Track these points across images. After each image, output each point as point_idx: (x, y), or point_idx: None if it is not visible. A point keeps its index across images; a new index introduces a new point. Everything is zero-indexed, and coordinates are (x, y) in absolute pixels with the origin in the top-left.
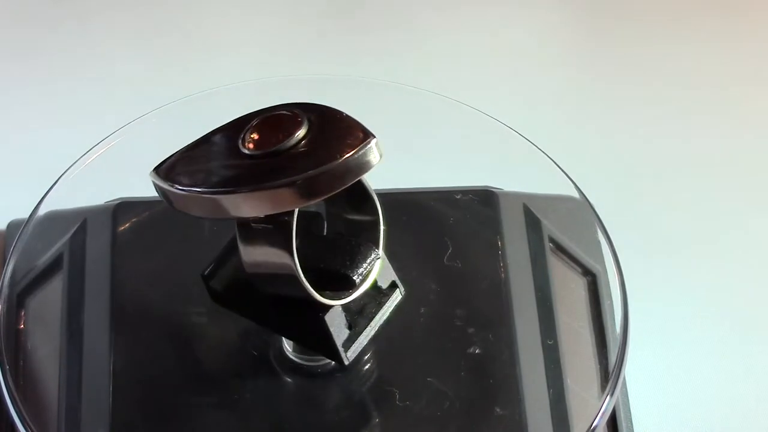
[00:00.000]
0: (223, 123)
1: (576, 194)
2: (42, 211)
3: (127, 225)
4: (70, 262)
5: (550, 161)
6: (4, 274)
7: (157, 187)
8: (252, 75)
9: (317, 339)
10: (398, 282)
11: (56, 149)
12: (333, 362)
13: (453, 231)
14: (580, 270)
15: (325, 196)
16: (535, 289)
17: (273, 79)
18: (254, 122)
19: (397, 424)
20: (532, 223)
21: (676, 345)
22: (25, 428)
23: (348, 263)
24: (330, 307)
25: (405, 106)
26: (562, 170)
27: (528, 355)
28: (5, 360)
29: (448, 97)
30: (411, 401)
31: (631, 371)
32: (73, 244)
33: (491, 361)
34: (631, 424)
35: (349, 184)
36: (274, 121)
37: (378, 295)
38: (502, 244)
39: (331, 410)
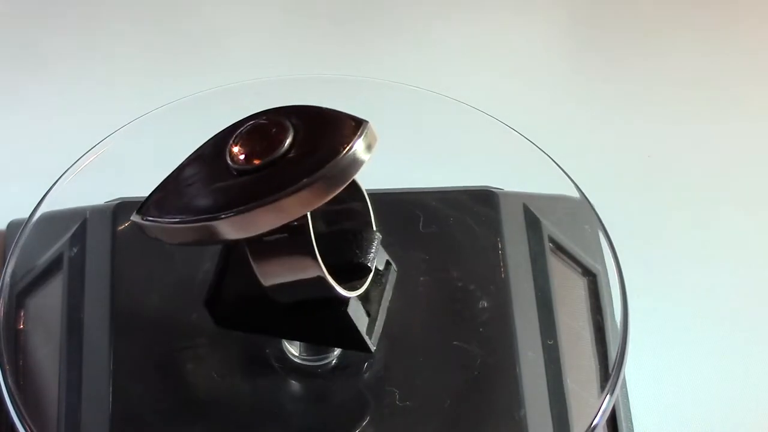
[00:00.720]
0: (215, 131)
1: (576, 194)
2: (42, 211)
3: (127, 225)
4: (70, 262)
5: (550, 161)
6: (4, 274)
7: (151, 228)
8: (252, 75)
9: (342, 334)
10: (390, 260)
11: (56, 149)
12: (333, 362)
13: (453, 231)
14: (580, 270)
15: (339, 190)
16: (535, 289)
17: (273, 79)
18: (237, 137)
19: (397, 424)
20: (532, 223)
21: (676, 345)
22: (24, 428)
23: (358, 252)
24: (348, 299)
25: (405, 106)
26: (563, 170)
27: (528, 355)
28: (5, 360)
29: (448, 96)
30: (411, 401)
31: (631, 371)
32: (73, 244)
33: (491, 361)
34: (631, 423)
35: (357, 173)
36: (257, 132)
37: (376, 277)
38: (502, 244)
39: (331, 410)
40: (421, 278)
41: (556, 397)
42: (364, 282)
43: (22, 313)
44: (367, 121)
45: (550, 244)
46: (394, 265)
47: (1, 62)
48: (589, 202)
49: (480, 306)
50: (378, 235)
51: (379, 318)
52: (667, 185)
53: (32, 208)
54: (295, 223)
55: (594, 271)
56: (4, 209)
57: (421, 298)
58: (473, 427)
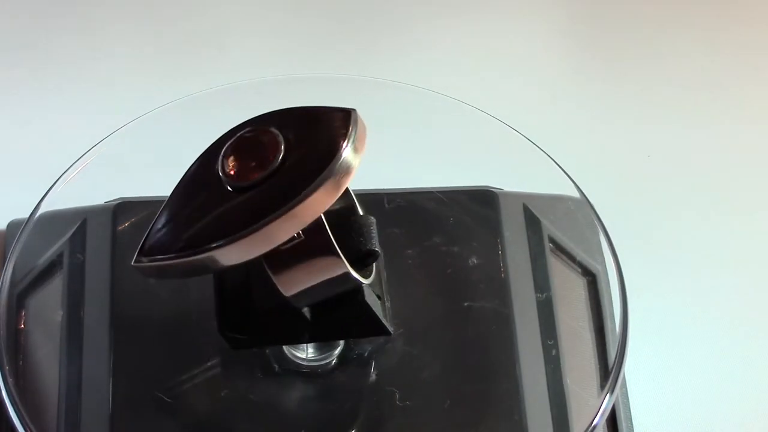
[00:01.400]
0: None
1: (576, 194)
2: (42, 211)
3: (126, 225)
4: (70, 262)
5: (551, 161)
6: (4, 273)
7: (164, 267)
8: (252, 74)
9: (361, 323)
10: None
11: (56, 149)
12: (333, 362)
13: (453, 231)
14: (580, 270)
15: (348, 182)
16: (535, 289)
17: (273, 79)
18: (226, 153)
19: (397, 424)
20: (532, 223)
21: (676, 345)
22: (24, 429)
23: (362, 239)
24: (361, 288)
25: (405, 106)
26: (563, 170)
27: (528, 355)
28: (5, 360)
29: (448, 96)
30: (411, 401)
31: (631, 371)
32: (73, 244)
33: (491, 361)
34: (631, 423)
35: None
36: (246, 145)
37: None
38: (502, 244)
39: (332, 410)
40: (421, 278)
41: (556, 397)
42: (372, 267)
43: (22, 313)
44: (353, 109)
45: (550, 244)
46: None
47: (1, 62)
48: (589, 202)
49: (480, 306)
50: (372, 219)
51: (385, 299)
52: (667, 185)
53: (32, 208)
54: (310, 226)
55: (594, 271)
56: (4, 209)
57: (422, 298)
58: (473, 427)
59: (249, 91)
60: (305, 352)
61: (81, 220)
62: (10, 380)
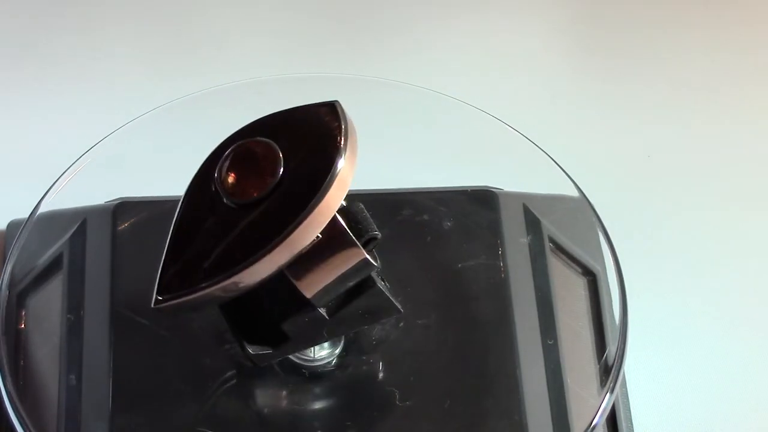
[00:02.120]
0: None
1: (576, 194)
2: (42, 211)
3: (126, 225)
4: (70, 262)
5: (551, 161)
6: (4, 273)
7: (191, 301)
8: (252, 74)
9: (376, 308)
10: None
11: (56, 149)
12: (333, 362)
13: (453, 231)
14: (580, 270)
15: (353, 174)
16: (535, 289)
17: (273, 78)
18: (222, 173)
19: (397, 424)
20: (532, 223)
21: (676, 345)
22: (23, 429)
23: (361, 227)
24: (371, 276)
25: (405, 105)
26: (563, 170)
27: (528, 355)
28: (5, 360)
29: (448, 96)
30: (411, 401)
31: (631, 371)
32: (73, 244)
33: (491, 361)
34: (631, 423)
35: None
36: (242, 161)
37: None
38: (502, 244)
39: (332, 410)
40: (421, 278)
41: (556, 397)
42: (374, 252)
43: (22, 313)
44: (336, 102)
45: (550, 244)
46: None
47: (1, 62)
48: (589, 202)
49: (480, 306)
50: (361, 204)
51: (385, 279)
52: (667, 185)
53: (32, 208)
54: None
55: (594, 270)
56: (4, 209)
57: (422, 298)
58: (473, 427)
59: (249, 91)
60: (312, 352)
61: (81, 220)
62: (9, 380)
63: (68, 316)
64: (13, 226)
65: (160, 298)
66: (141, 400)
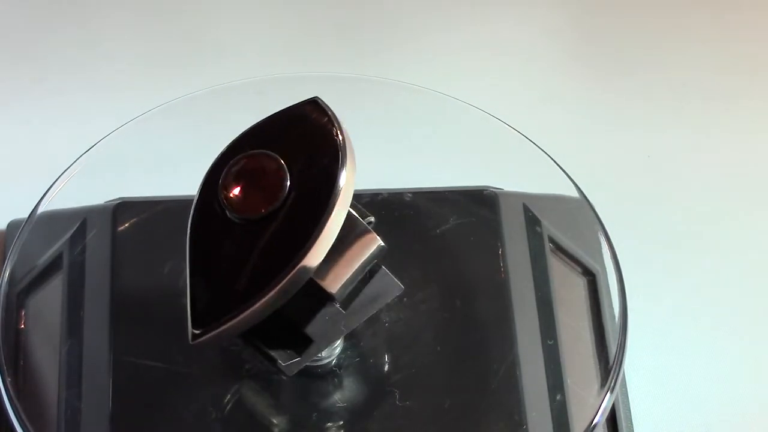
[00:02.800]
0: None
1: (576, 194)
2: (42, 210)
3: (126, 225)
4: (70, 262)
5: (550, 161)
6: (4, 273)
7: (228, 329)
8: (252, 73)
9: (383, 292)
10: None
11: (56, 149)
12: (333, 362)
13: (453, 231)
14: (580, 270)
15: (356, 170)
16: (535, 289)
17: (273, 78)
18: (225, 193)
19: (397, 424)
20: (532, 223)
21: (676, 345)
22: (22, 429)
23: (358, 213)
24: (377, 261)
25: (405, 105)
26: (563, 170)
27: (528, 355)
28: (4, 360)
29: (449, 96)
30: (411, 401)
31: (630, 371)
32: (73, 244)
33: (491, 361)
34: (631, 423)
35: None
36: (246, 177)
37: None
38: (502, 244)
39: (332, 410)
40: (421, 278)
41: (556, 397)
42: None
43: (22, 313)
44: (317, 98)
45: (550, 244)
46: None
47: (1, 62)
48: (589, 202)
49: (480, 306)
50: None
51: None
52: (667, 185)
53: (32, 208)
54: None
55: (594, 270)
56: (4, 209)
57: (421, 298)
58: (473, 428)
59: (249, 90)
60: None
61: (81, 220)
62: (9, 380)
63: (68, 316)
64: (13, 226)
65: (198, 332)
66: (141, 400)
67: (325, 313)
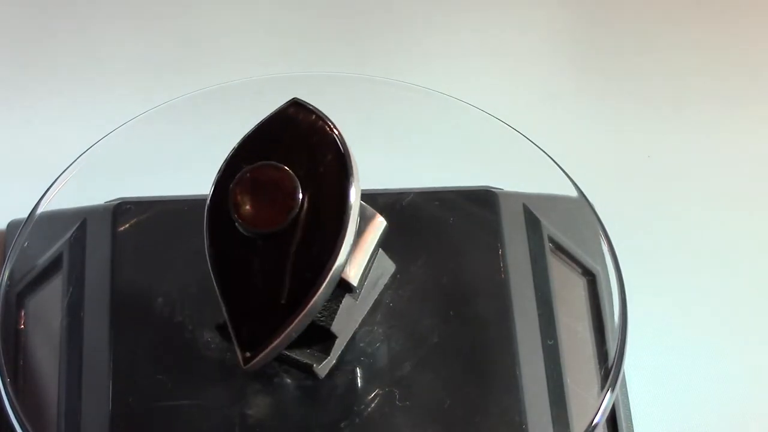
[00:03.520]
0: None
1: (576, 194)
2: (41, 210)
3: (126, 225)
4: (70, 262)
5: (550, 161)
6: (4, 273)
7: (278, 345)
8: (252, 73)
9: (381, 274)
10: None
11: (56, 149)
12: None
13: (453, 231)
14: (579, 270)
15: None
16: (535, 289)
17: (273, 77)
18: (238, 211)
19: (397, 424)
20: (532, 223)
21: (676, 344)
22: (22, 430)
23: None
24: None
25: (405, 105)
26: (563, 170)
27: (528, 355)
28: (4, 360)
29: (448, 95)
30: (411, 401)
31: (631, 371)
32: (73, 244)
33: (491, 361)
34: (631, 423)
35: None
36: (258, 191)
37: None
38: (502, 244)
39: (331, 410)
40: (421, 278)
41: (556, 397)
42: None
43: (21, 313)
44: (296, 98)
45: (550, 244)
46: None
47: (1, 62)
48: (589, 202)
49: (480, 306)
50: None
51: None
52: (667, 185)
53: (32, 208)
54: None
55: (593, 271)
56: (4, 209)
57: (421, 298)
58: (473, 427)
59: (249, 89)
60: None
61: (81, 220)
62: (9, 381)
63: (68, 316)
64: (13, 226)
65: (249, 354)
66: (141, 401)
67: (343, 307)
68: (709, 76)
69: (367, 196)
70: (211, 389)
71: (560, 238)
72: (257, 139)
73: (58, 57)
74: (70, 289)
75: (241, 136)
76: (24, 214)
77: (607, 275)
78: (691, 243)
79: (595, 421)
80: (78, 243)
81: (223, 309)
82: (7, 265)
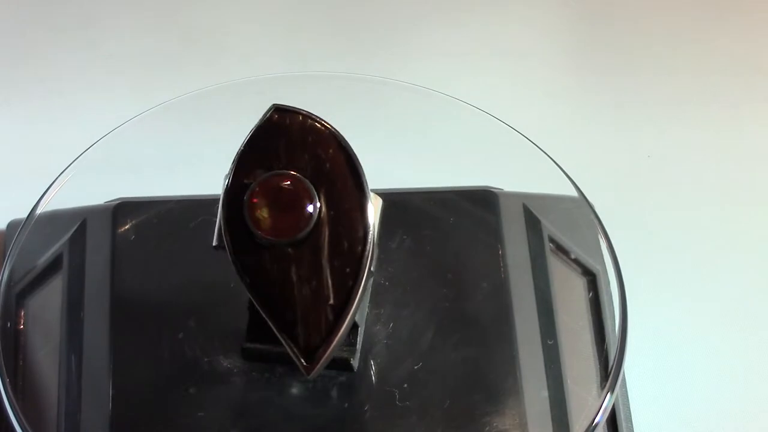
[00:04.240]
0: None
1: (576, 194)
2: (41, 211)
3: (126, 225)
4: (70, 262)
5: (550, 161)
6: (4, 273)
7: (334, 348)
8: (252, 73)
9: (372, 259)
10: None
11: (56, 149)
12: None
13: (453, 231)
14: (579, 270)
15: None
16: (535, 289)
17: (273, 77)
18: (254, 220)
19: (397, 424)
20: (532, 223)
21: (676, 344)
22: (21, 430)
23: None
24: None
25: (405, 105)
26: (562, 170)
27: (528, 355)
28: (3, 360)
29: (448, 95)
30: (411, 401)
31: (631, 371)
32: (73, 244)
33: (491, 361)
34: (631, 423)
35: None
36: (276, 203)
37: None
38: (502, 244)
39: (332, 410)
40: (421, 278)
41: (556, 397)
42: None
43: (21, 313)
44: (276, 104)
45: (550, 244)
46: None
47: (1, 62)
48: (589, 202)
49: (480, 306)
50: None
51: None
52: (667, 185)
53: (32, 208)
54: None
55: (593, 271)
56: (4, 209)
57: (421, 298)
58: (473, 428)
59: (249, 89)
60: None
61: (81, 220)
62: (8, 381)
63: (68, 316)
64: (13, 226)
65: (307, 364)
66: (141, 401)
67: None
68: (710, 76)
69: None
70: (212, 389)
71: (560, 238)
72: (252, 153)
73: (58, 56)
74: (70, 289)
75: (236, 152)
76: (24, 214)
77: (607, 275)
78: (691, 243)
79: (595, 421)
80: (78, 243)
81: (272, 326)
82: (7, 265)
